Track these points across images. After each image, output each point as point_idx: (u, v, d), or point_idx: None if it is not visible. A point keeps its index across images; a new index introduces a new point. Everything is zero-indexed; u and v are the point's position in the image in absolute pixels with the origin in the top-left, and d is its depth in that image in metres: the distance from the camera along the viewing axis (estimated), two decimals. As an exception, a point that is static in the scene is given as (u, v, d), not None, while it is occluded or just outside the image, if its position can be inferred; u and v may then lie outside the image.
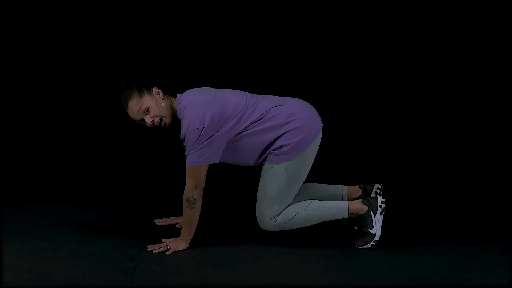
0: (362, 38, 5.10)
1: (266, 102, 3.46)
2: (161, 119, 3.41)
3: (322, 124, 3.51)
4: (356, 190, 3.68)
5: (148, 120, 3.40)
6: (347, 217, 3.48)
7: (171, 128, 3.49)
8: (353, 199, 3.59)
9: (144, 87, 3.41)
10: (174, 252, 3.38)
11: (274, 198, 3.42)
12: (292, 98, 3.56)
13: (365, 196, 3.63)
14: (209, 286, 3.01)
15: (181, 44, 5.06)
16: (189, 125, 3.32)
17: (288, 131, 3.41)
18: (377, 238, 3.45)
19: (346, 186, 3.69)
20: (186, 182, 3.37)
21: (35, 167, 4.81)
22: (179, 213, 3.82)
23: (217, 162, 3.40)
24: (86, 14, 5.04)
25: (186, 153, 3.36)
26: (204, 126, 3.31)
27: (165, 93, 3.49)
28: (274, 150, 3.42)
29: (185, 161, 3.37)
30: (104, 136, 5.12)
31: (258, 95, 3.53)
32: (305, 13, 5.09)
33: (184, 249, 3.40)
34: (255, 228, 3.72)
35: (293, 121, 3.42)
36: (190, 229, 3.42)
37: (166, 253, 3.35)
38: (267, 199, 3.42)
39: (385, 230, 3.51)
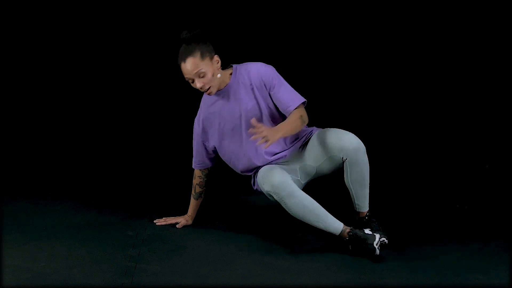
0: (358, 39, 5.11)
1: None
2: (209, 87, 3.43)
3: None
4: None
5: (198, 83, 3.40)
6: (341, 229, 3.41)
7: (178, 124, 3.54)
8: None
9: (208, 51, 3.40)
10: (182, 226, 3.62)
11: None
12: None
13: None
14: (209, 286, 3.01)
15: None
16: (260, 64, 3.52)
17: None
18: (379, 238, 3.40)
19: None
20: (300, 110, 3.47)
21: (35, 167, 4.81)
22: (179, 213, 3.82)
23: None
24: (86, 14, 5.04)
25: (276, 90, 3.47)
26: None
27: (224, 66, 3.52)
28: (316, 128, 3.62)
29: (183, 157, 3.38)
30: (104, 136, 5.13)
31: None
32: (300, 14, 5.09)
33: (184, 250, 3.40)
34: (255, 228, 3.72)
35: None
36: (289, 131, 3.41)
37: (265, 146, 3.29)
38: (341, 130, 3.47)
39: (385, 230, 3.51)
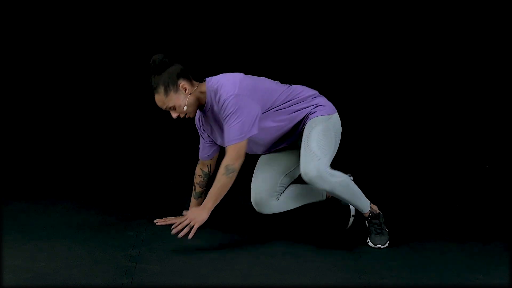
0: (358, 39, 5.11)
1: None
2: (185, 114, 3.44)
3: None
4: None
5: (173, 115, 3.44)
6: (368, 209, 3.53)
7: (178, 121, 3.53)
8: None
9: (171, 83, 3.35)
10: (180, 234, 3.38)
11: (325, 144, 3.40)
12: None
13: None
14: (209, 286, 3.01)
15: (182, 44, 5.07)
16: (226, 87, 3.34)
17: (319, 97, 3.58)
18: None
19: None
20: (229, 153, 3.34)
21: (35, 167, 4.81)
22: (179, 213, 3.82)
23: (256, 132, 3.38)
24: (86, 14, 5.04)
25: (225, 126, 3.34)
26: (239, 92, 3.32)
27: (195, 78, 3.45)
28: (312, 110, 3.51)
29: (186, 155, 3.39)
30: (103, 136, 5.13)
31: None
32: (297, 14, 5.09)
33: (184, 250, 3.40)
34: (255, 228, 3.73)
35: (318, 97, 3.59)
36: (217, 199, 3.37)
37: (189, 235, 3.30)
38: (317, 143, 3.38)
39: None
